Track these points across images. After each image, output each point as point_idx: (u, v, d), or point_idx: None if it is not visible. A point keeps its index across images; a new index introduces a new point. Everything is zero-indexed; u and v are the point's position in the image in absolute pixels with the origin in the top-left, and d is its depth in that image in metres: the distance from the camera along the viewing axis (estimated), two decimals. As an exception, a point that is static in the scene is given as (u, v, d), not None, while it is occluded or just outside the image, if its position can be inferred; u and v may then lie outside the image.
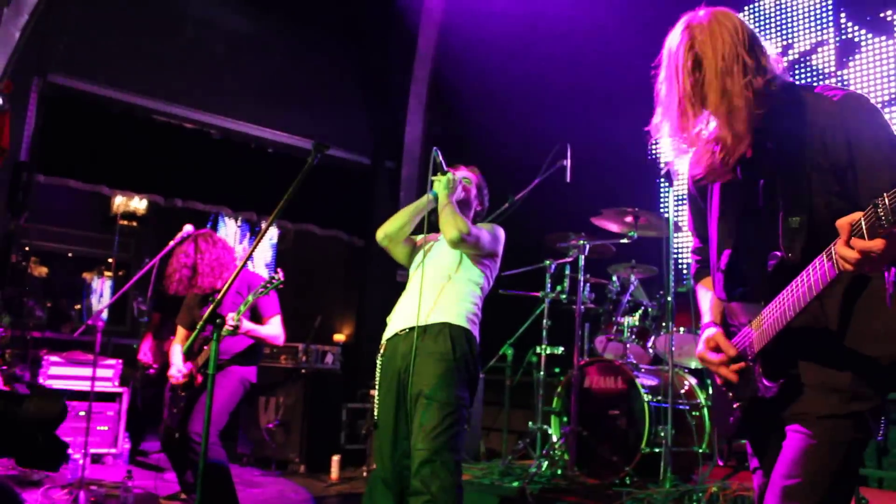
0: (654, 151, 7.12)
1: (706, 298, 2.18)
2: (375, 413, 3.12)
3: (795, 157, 1.85)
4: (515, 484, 4.23)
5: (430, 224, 3.25)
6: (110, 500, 4.79)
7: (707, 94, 1.87)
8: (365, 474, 6.11)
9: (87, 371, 6.04)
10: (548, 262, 5.22)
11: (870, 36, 5.76)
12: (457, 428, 2.83)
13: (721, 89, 1.84)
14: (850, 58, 5.86)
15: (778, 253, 1.82)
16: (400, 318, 3.13)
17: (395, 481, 2.97)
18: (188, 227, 4.88)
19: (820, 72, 5.97)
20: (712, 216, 2.08)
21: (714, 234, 2.07)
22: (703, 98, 1.88)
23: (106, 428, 6.37)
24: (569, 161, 5.13)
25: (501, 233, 3.32)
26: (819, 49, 6.03)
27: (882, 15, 5.68)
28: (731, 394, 2.04)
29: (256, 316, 4.31)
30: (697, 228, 2.25)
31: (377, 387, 3.10)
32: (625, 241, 5.04)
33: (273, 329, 4.31)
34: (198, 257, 4.32)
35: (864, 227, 1.47)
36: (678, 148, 1.99)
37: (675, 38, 1.95)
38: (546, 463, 4.63)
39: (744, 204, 1.97)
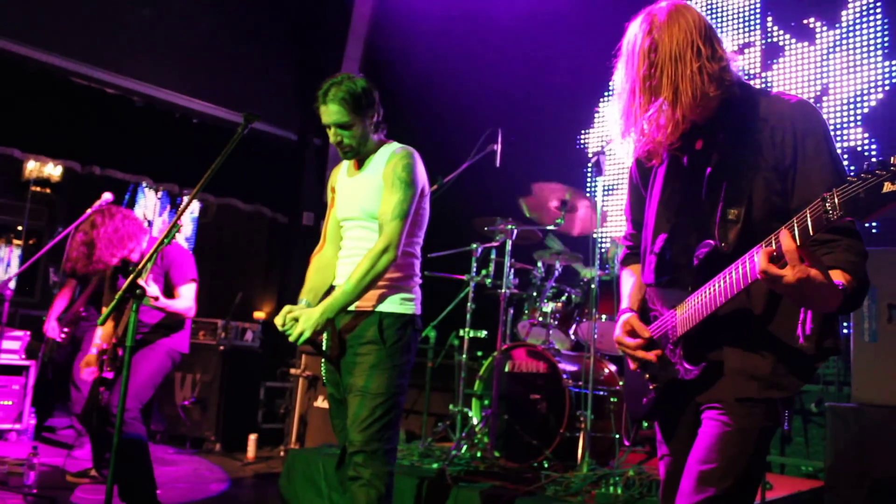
0: (582, 141, 7.22)
1: (628, 283, 2.23)
2: (324, 379, 3.06)
3: (744, 150, 1.89)
4: (435, 465, 4.23)
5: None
6: (13, 478, 4.60)
7: (659, 78, 1.90)
8: (282, 454, 6.04)
9: (-8, 342, 5.79)
10: (474, 245, 5.22)
11: (793, 41, 5.94)
12: (388, 418, 2.79)
13: (672, 73, 1.88)
14: (774, 61, 6.04)
15: (711, 242, 1.86)
16: None
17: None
18: (107, 196, 4.71)
19: (745, 72, 6.12)
20: (652, 201, 2.11)
21: (651, 219, 2.09)
22: (655, 81, 1.91)
23: (10, 402, 6.12)
24: (499, 146, 5.15)
25: (418, 168, 2.95)
26: (745, 50, 6.20)
27: (805, 21, 5.87)
28: (646, 375, 2.08)
29: (168, 283, 4.16)
30: (634, 213, 2.28)
31: (323, 359, 3.03)
32: (551, 227, 5.08)
33: (183, 302, 4.12)
34: (94, 233, 4.13)
35: (800, 226, 1.54)
36: (625, 130, 2.01)
37: (634, 26, 1.99)
38: (466, 445, 4.65)
39: (686, 192, 2.01)
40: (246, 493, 5.12)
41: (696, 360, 1.90)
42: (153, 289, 3.87)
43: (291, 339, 2.74)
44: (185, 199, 2.65)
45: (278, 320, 2.80)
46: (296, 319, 2.76)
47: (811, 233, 1.52)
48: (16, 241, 9.19)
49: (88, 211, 4.54)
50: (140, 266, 2.57)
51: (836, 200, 1.45)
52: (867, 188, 1.41)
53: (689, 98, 1.87)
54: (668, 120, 1.91)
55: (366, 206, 2.95)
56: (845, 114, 5.54)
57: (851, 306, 1.72)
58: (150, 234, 4.33)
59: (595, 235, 4.84)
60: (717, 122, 1.94)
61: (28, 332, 6.42)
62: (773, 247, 1.60)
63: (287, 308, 2.82)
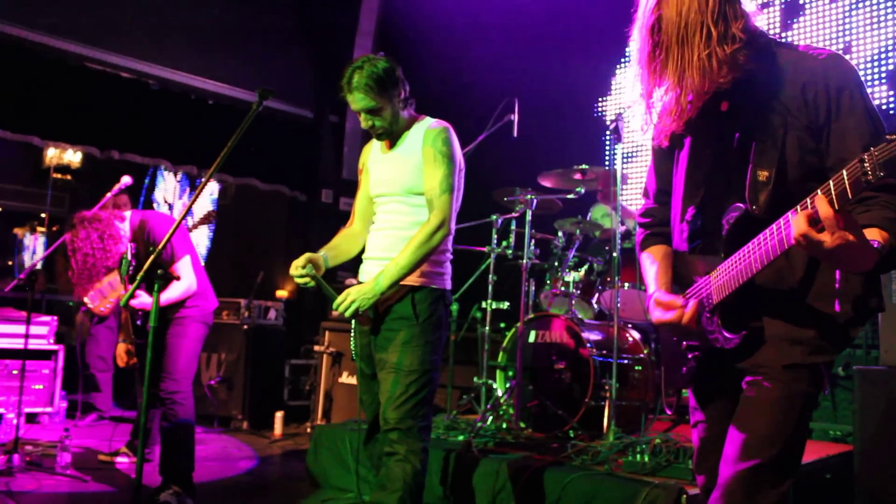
0: (600, 109, 7.14)
1: (651, 270, 2.13)
2: (353, 354, 3.06)
3: (773, 111, 1.82)
4: (461, 438, 4.24)
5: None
6: (46, 460, 4.68)
7: (664, 61, 1.84)
8: (309, 430, 6.09)
9: (20, 328, 5.85)
10: (494, 216, 5.19)
11: (814, -2, 5.82)
12: (422, 394, 2.80)
13: (678, 57, 1.81)
14: (795, 19, 5.92)
15: (741, 205, 1.80)
16: (370, 267, 3.00)
17: (375, 425, 2.98)
18: (126, 179, 4.72)
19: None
20: (680, 166, 2.05)
21: (681, 185, 2.04)
22: (659, 64, 1.85)
23: (41, 387, 6.21)
24: (516, 116, 5.10)
25: (455, 142, 2.95)
26: (765, 10, 6.08)
27: (826, -23, 5.74)
28: (684, 344, 2.03)
29: (160, 262, 4.08)
30: (659, 181, 2.20)
31: (353, 330, 3.04)
32: (571, 196, 5.04)
33: (182, 284, 3.97)
34: (69, 273, 3.99)
35: (837, 190, 1.46)
36: (641, 102, 1.96)
37: None
38: (491, 417, 4.66)
39: (717, 156, 1.95)
40: (274, 470, 5.17)
41: (735, 328, 1.83)
42: (143, 299, 3.92)
43: (344, 311, 2.76)
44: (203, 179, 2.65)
45: (345, 302, 2.77)
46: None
47: (850, 196, 1.44)
48: (39, 229, 9.28)
49: (108, 195, 4.53)
50: (159, 248, 2.59)
51: (876, 160, 1.37)
52: None
53: (697, 85, 1.81)
54: (671, 106, 1.86)
55: (405, 183, 2.94)
56: (869, 72, 5.43)
57: (891, 265, 1.67)
58: (126, 216, 4.22)
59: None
60: (742, 82, 1.85)
61: (55, 318, 6.50)
62: (811, 210, 1.53)
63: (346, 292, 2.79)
